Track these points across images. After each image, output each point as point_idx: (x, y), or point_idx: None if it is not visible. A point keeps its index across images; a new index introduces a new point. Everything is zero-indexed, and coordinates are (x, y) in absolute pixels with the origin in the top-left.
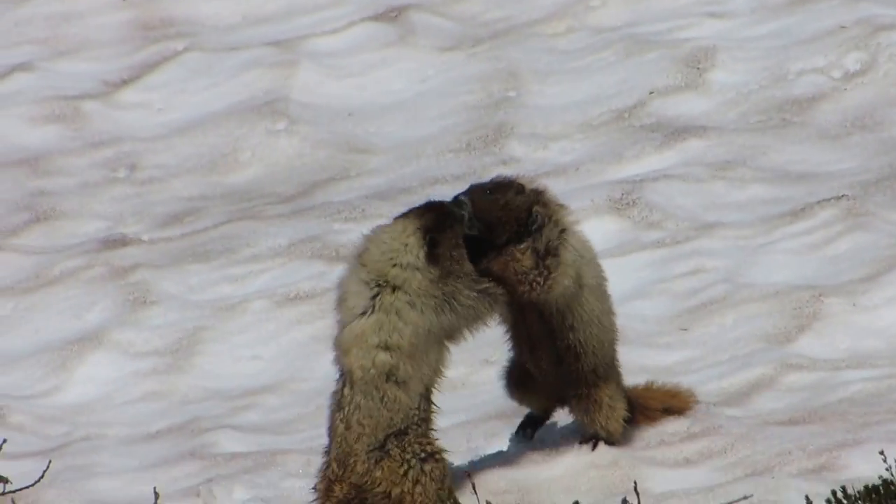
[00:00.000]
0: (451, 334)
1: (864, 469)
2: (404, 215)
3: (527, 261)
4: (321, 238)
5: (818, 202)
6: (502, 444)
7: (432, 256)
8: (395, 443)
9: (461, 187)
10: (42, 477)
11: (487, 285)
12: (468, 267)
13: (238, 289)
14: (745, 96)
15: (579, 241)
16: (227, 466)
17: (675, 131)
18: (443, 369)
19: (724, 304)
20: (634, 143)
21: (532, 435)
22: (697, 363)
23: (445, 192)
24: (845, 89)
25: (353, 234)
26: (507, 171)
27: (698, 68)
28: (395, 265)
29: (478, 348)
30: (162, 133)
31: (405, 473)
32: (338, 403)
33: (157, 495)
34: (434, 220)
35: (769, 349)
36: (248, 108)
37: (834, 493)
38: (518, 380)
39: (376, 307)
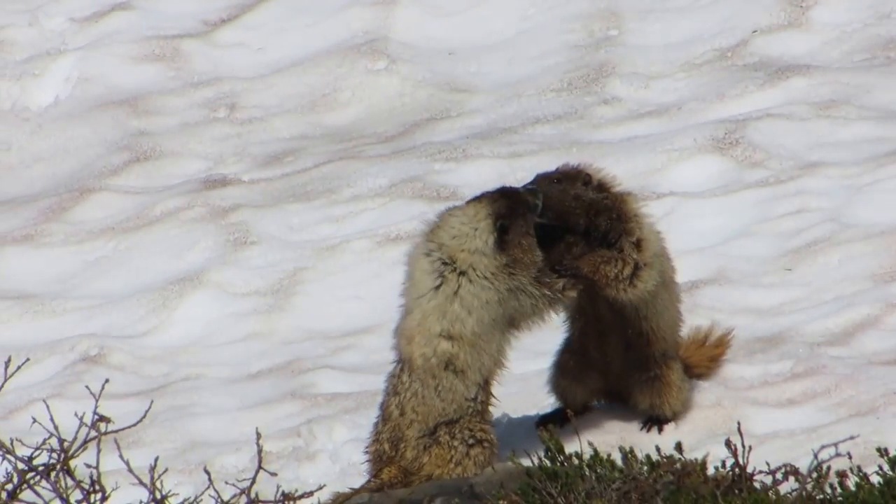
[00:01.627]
0: (515, 324)
1: None
2: (477, 199)
3: (626, 269)
4: (422, 178)
5: None
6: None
7: (501, 243)
8: (446, 430)
9: (563, 127)
10: (144, 417)
11: (556, 281)
12: (537, 257)
13: (338, 229)
14: (849, 34)
15: (655, 234)
16: (328, 407)
17: (779, 70)
18: (504, 360)
19: (829, 244)
20: (737, 81)
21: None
22: (802, 303)
23: (547, 133)
24: None
25: (454, 174)
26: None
27: (801, 6)
28: (463, 250)
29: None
30: (261, 73)
31: (451, 459)
32: (394, 388)
33: (258, 435)
34: (506, 206)
35: (874, 289)
36: (348, 48)
37: None
38: (570, 368)
39: (441, 293)
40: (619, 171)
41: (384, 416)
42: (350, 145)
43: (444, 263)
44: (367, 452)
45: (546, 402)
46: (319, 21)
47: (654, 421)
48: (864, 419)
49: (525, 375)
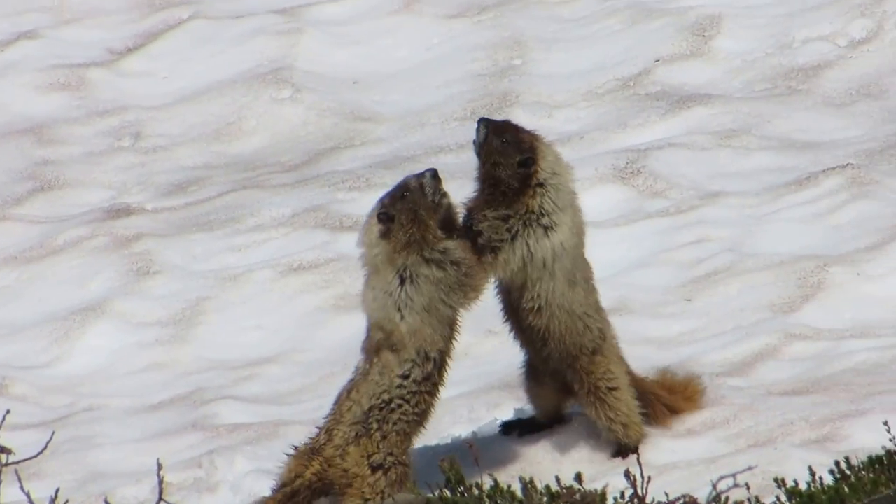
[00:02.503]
0: (433, 305)
1: (868, 439)
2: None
3: (495, 233)
4: (325, 207)
5: (823, 171)
6: (505, 414)
7: (385, 232)
8: (377, 416)
9: (467, 156)
10: (45, 448)
11: (453, 254)
12: (434, 234)
13: (242, 258)
14: (751, 64)
15: (558, 234)
16: (230, 437)
17: (680, 99)
18: (447, 335)
19: (729, 274)
20: (639, 111)
21: (520, 435)
22: (701, 333)
23: (449, 162)
24: (851, 57)
25: (357, 203)
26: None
27: (703, 36)
28: (367, 251)
29: (482, 318)
30: (167, 102)
31: (370, 456)
32: (353, 373)
33: (160, 466)
34: (390, 195)
35: (773, 319)
36: (253, 77)
37: (837, 463)
38: (531, 371)
39: (367, 285)
40: None
41: (336, 402)
42: (254, 174)
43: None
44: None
45: (446, 432)
46: (225, 50)
47: (621, 452)
48: (763, 449)
49: None
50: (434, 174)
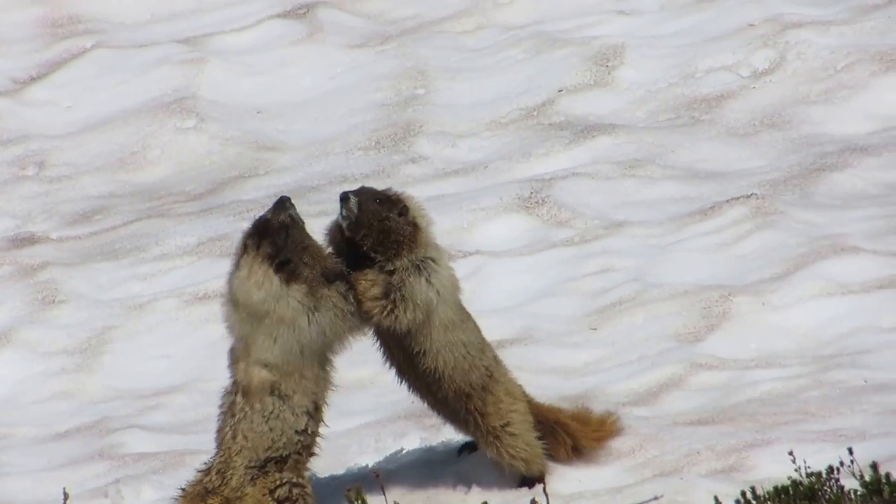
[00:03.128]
0: (329, 343)
1: (773, 469)
2: (245, 254)
3: (376, 289)
4: (230, 236)
5: (727, 201)
6: (410, 443)
7: (290, 277)
8: (275, 468)
9: (371, 185)
10: None
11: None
12: (331, 261)
13: (147, 287)
14: (654, 94)
15: (441, 278)
16: (136, 466)
17: (584, 129)
18: (329, 381)
19: (634, 304)
20: (543, 140)
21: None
22: (606, 362)
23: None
24: (754, 87)
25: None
26: (413, 172)
27: (607, 66)
28: (253, 300)
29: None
30: (71, 131)
31: (273, 490)
32: (230, 409)
33: (66, 496)
34: (271, 245)
35: (678, 349)
36: (157, 106)
37: (743, 493)
38: None
39: (250, 328)
40: None
41: (219, 444)
42: (159, 203)
43: (248, 311)
44: (192, 484)
45: (353, 462)
46: (128, 79)
47: (527, 482)
48: (669, 479)
49: (333, 434)
50: (289, 200)
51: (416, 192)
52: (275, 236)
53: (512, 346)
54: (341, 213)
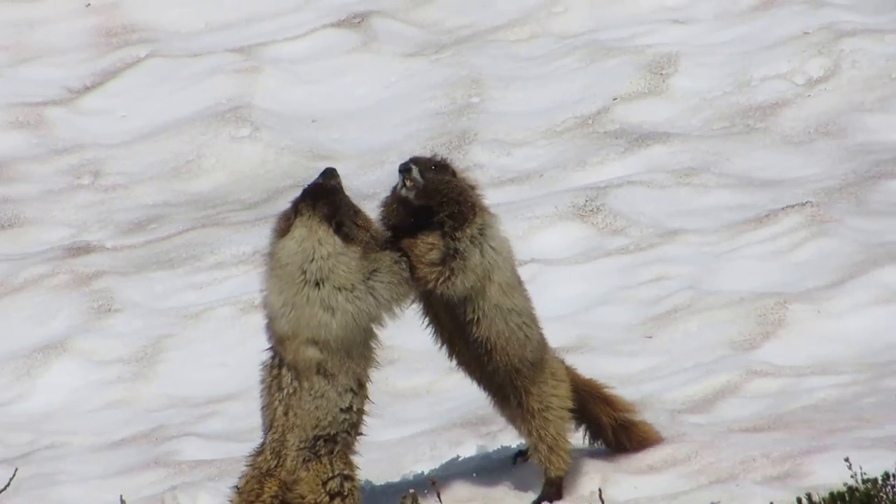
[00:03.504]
0: (380, 312)
1: (829, 476)
2: (295, 214)
3: (434, 253)
4: None
5: (782, 208)
6: (466, 451)
7: (345, 237)
8: (325, 449)
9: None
10: (8, 485)
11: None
12: (379, 229)
13: (202, 296)
14: (709, 102)
15: (498, 241)
16: (192, 474)
17: (639, 137)
18: (374, 359)
19: (689, 311)
20: (598, 149)
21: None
22: (662, 370)
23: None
24: (808, 95)
25: None
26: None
27: (661, 74)
28: (312, 260)
29: (443, 356)
30: (125, 140)
31: (326, 483)
32: (277, 384)
33: (123, 502)
34: (327, 205)
35: (734, 356)
36: (212, 115)
37: (798, 500)
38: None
39: (298, 303)
40: None
41: (270, 421)
42: (213, 212)
43: (296, 278)
44: (248, 466)
45: (408, 469)
46: (183, 88)
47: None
48: (724, 486)
49: (388, 443)
50: (335, 170)
51: None
52: (330, 197)
53: (568, 354)
54: (404, 185)
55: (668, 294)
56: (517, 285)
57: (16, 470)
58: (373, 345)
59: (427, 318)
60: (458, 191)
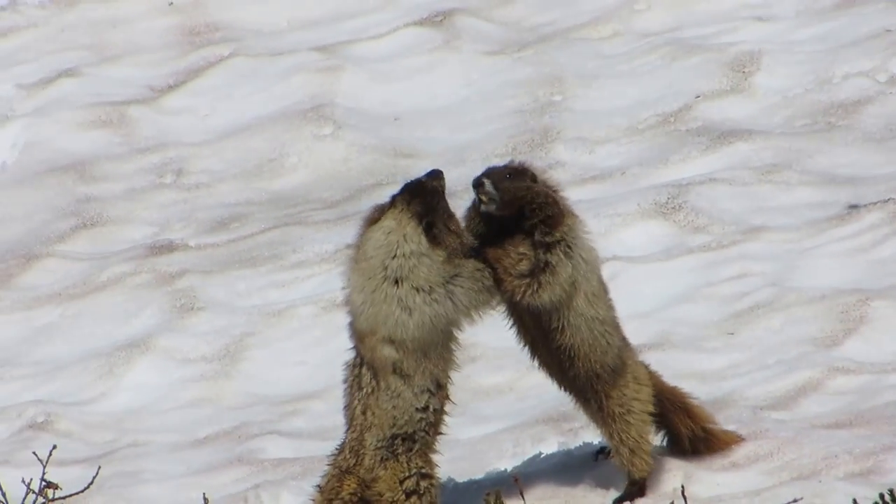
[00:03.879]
0: (458, 317)
1: None
2: (390, 207)
3: (524, 264)
4: None
5: (865, 205)
6: (548, 448)
7: (433, 239)
8: (403, 447)
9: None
10: (91, 483)
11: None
12: (469, 237)
13: (285, 294)
14: (791, 100)
15: (585, 250)
16: (275, 472)
17: (721, 135)
18: (453, 362)
19: (771, 308)
20: (680, 146)
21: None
22: (744, 367)
23: None
24: (891, 93)
25: None
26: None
27: (744, 72)
28: (395, 257)
29: (525, 354)
30: (208, 138)
31: (403, 481)
32: (357, 383)
33: (205, 501)
34: (422, 203)
35: (816, 353)
36: (294, 113)
37: (882, 496)
38: None
39: (377, 300)
40: None
41: (349, 419)
42: (296, 211)
43: (380, 276)
44: (328, 465)
45: (491, 466)
46: (265, 87)
47: (629, 487)
48: (807, 482)
49: (471, 440)
50: (441, 172)
51: None
52: (427, 197)
53: (650, 351)
54: (480, 200)
55: (750, 291)
56: (602, 294)
57: (98, 468)
58: (452, 347)
59: (511, 321)
60: (542, 196)
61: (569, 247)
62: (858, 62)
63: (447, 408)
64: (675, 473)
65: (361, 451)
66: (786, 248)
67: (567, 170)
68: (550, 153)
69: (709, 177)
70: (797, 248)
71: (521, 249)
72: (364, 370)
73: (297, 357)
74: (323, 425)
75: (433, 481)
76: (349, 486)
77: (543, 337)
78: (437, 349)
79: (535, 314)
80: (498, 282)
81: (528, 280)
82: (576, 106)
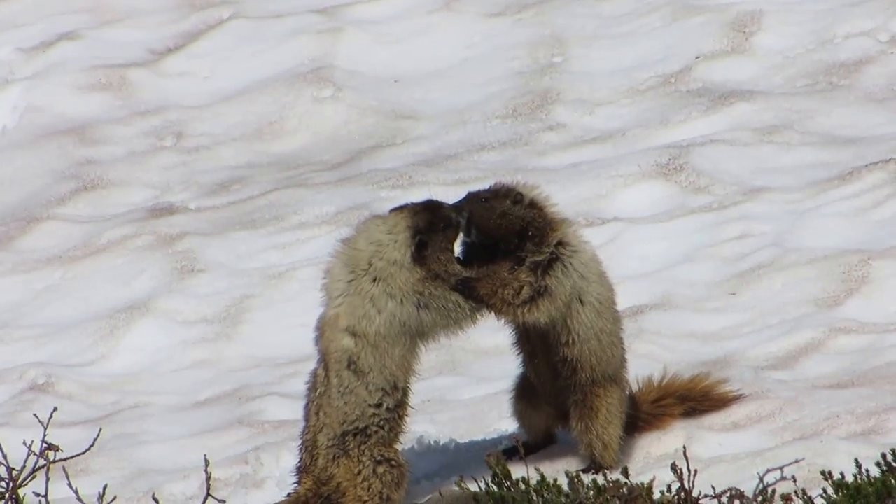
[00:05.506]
0: (425, 333)
1: None
2: (399, 209)
3: (525, 291)
4: (368, 205)
5: (866, 166)
6: None
7: (419, 258)
8: (355, 443)
9: (508, 154)
10: (92, 445)
11: (466, 301)
12: (456, 270)
13: (285, 257)
14: (792, 60)
15: (583, 261)
16: (275, 434)
17: (722, 96)
18: (412, 368)
19: (773, 269)
20: (681, 107)
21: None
22: (746, 327)
23: (491, 160)
24: (892, 52)
25: (400, 201)
26: (550, 140)
27: (744, 32)
28: (380, 258)
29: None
30: (208, 101)
31: (359, 473)
32: (313, 384)
33: (206, 462)
34: (426, 221)
35: (818, 313)
36: (294, 76)
37: (883, 455)
38: (524, 393)
39: (353, 291)
40: (564, 198)
41: (306, 419)
42: (296, 173)
43: (359, 270)
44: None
45: (493, 427)
46: (266, 50)
47: (589, 468)
48: (809, 442)
49: (472, 400)
50: (463, 210)
51: (554, 161)
52: (435, 219)
53: (651, 311)
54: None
55: (752, 251)
56: (609, 304)
57: (99, 430)
58: (417, 353)
59: (514, 333)
60: (514, 220)
61: (564, 265)
62: (859, 22)
63: (407, 410)
64: (677, 434)
65: (315, 452)
66: (787, 208)
67: (567, 131)
68: (551, 115)
69: (710, 138)
70: (799, 208)
71: (523, 276)
72: (321, 369)
73: (298, 319)
74: None
75: (392, 464)
76: (305, 484)
77: (547, 350)
78: (400, 350)
79: (542, 331)
80: (495, 309)
81: (528, 305)
82: (576, 67)
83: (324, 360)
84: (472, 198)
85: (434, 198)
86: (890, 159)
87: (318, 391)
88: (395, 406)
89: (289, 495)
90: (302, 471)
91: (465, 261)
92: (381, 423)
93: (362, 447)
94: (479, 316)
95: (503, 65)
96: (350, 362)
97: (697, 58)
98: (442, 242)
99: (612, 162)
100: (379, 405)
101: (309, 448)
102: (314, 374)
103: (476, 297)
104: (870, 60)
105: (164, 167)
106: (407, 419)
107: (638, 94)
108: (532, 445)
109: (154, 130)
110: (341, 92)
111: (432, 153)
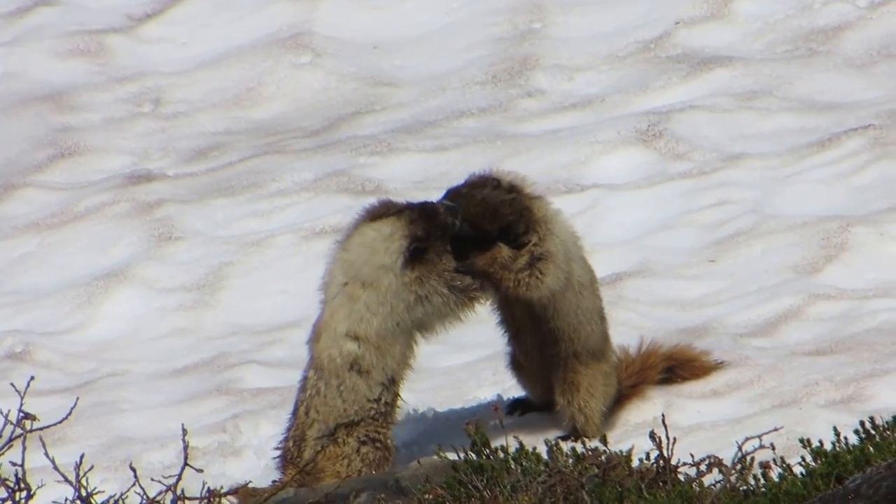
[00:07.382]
0: (422, 327)
1: (892, 399)
2: (398, 214)
3: (520, 260)
4: (347, 172)
5: (845, 132)
6: None
7: (412, 262)
8: (344, 432)
9: (487, 120)
10: (69, 414)
11: (466, 284)
12: (449, 264)
13: (264, 224)
14: (771, 26)
15: (566, 235)
16: (254, 402)
17: (701, 62)
18: (410, 361)
19: (752, 235)
20: (660, 73)
21: (521, 414)
22: (724, 294)
23: (471, 126)
24: (871, 18)
25: (379, 168)
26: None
27: None
28: (370, 264)
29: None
30: (186, 67)
31: (341, 454)
32: (303, 385)
33: (184, 431)
34: (424, 229)
35: (796, 280)
36: (273, 42)
37: (862, 423)
38: (516, 363)
39: (347, 295)
40: (543, 164)
41: (294, 414)
42: (275, 140)
43: (352, 274)
44: (277, 449)
45: (471, 395)
46: (244, 16)
47: (568, 436)
48: (788, 410)
49: (450, 369)
50: (457, 210)
51: (533, 127)
52: (433, 227)
53: (630, 278)
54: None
55: (731, 218)
56: (588, 283)
57: (77, 398)
58: (413, 346)
59: (500, 314)
60: (497, 204)
61: (554, 234)
62: None
63: (398, 399)
64: (656, 402)
65: (303, 445)
66: (766, 174)
67: (547, 97)
68: (530, 81)
69: (689, 104)
70: (778, 174)
71: (509, 253)
72: (311, 373)
73: (277, 286)
74: (302, 355)
75: (378, 445)
76: (289, 474)
77: (532, 327)
78: (400, 348)
79: (529, 306)
80: (496, 282)
81: (528, 271)
82: (555, 33)
83: (315, 363)
84: (452, 193)
85: (428, 201)
86: (869, 125)
87: (309, 393)
88: (391, 400)
89: (273, 482)
90: (287, 461)
91: (457, 254)
92: (376, 415)
93: (348, 437)
94: (473, 305)
95: (482, 31)
96: (353, 365)
97: (677, 24)
98: (439, 247)
99: (592, 128)
100: (378, 399)
101: (297, 441)
102: (304, 376)
103: (477, 273)
104: (849, 26)
105: (141, 134)
106: (398, 406)
107: (617, 61)
108: (537, 405)
109: (132, 97)
110: (320, 58)
111: (411, 120)
